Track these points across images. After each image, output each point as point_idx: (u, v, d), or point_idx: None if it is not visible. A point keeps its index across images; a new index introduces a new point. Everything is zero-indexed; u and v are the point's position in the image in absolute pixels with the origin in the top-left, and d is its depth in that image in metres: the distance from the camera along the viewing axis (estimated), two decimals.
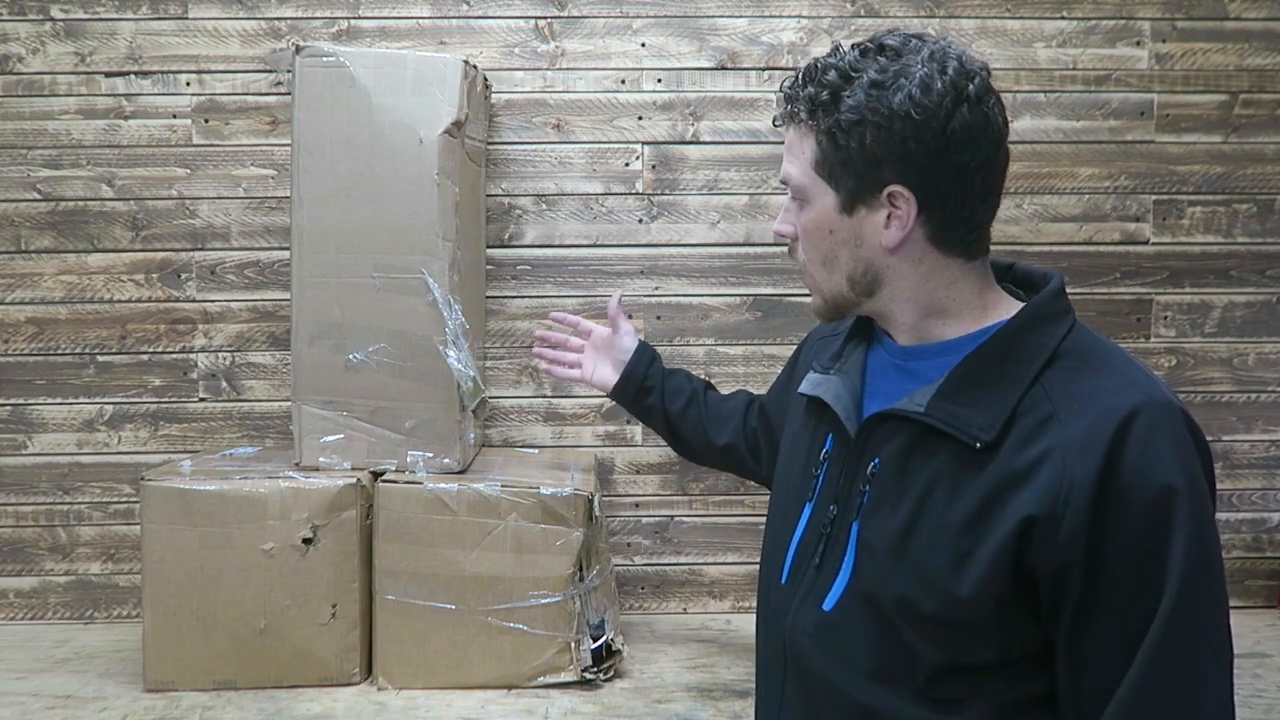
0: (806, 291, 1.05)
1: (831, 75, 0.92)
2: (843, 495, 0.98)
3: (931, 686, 0.90)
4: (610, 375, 1.59)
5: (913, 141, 0.90)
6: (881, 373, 1.02)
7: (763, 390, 1.47)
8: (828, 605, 0.96)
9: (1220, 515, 2.00)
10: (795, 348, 1.34)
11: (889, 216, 0.93)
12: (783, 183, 1.00)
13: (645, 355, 1.59)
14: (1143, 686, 0.83)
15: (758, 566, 1.14)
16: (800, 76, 0.96)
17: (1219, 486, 2.03)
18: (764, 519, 1.09)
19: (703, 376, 1.98)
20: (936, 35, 0.95)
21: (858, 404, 1.01)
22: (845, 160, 0.93)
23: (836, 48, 0.96)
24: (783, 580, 1.02)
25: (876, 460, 0.95)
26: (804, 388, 1.08)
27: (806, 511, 1.02)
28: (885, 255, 0.95)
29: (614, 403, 1.62)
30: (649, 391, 1.57)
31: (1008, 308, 0.97)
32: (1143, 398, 0.86)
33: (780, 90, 0.99)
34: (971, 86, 0.91)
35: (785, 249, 1.04)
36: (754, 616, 1.15)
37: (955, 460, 0.90)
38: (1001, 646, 0.88)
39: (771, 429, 1.39)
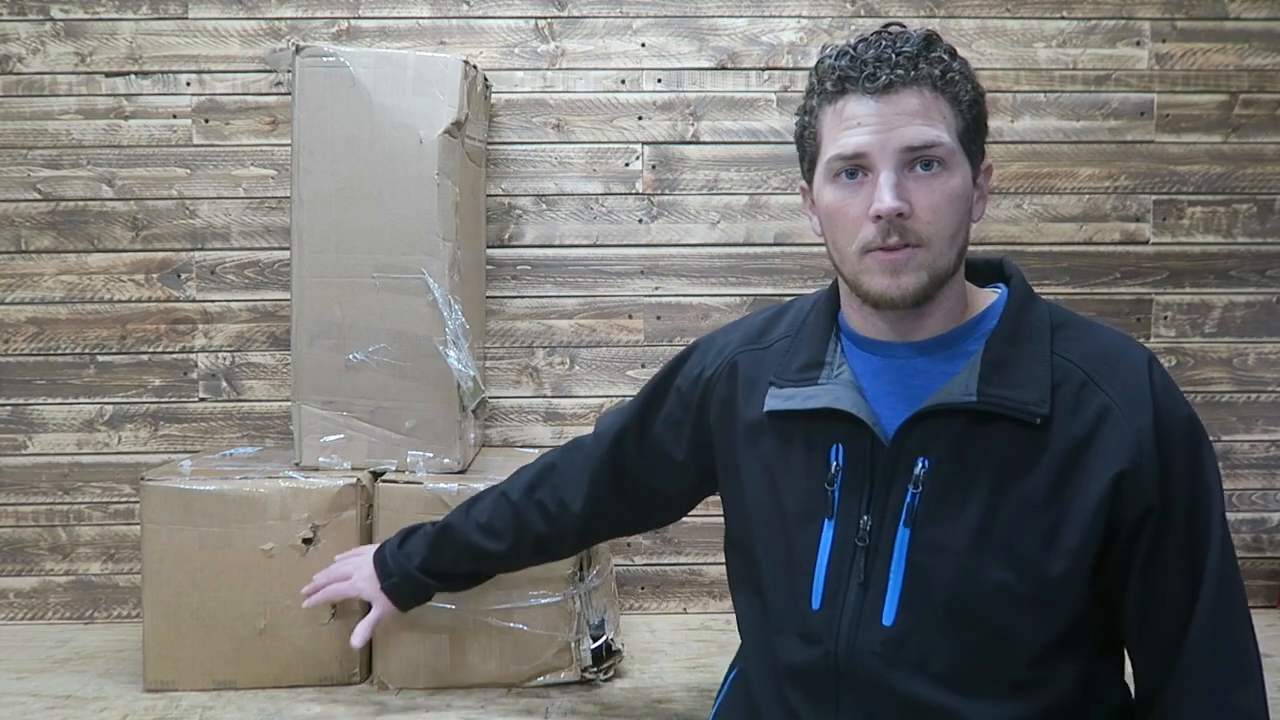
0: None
1: (942, 50, 0.95)
2: (878, 503, 0.95)
3: (1029, 671, 0.92)
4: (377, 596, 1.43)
5: (986, 117, 0.99)
6: (875, 375, 0.99)
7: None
8: (888, 620, 0.93)
9: None
10: (668, 367, 1.24)
11: (980, 192, 1.00)
12: (925, 147, 0.92)
13: (383, 560, 1.44)
14: (1217, 594, 0.91)
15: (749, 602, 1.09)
16: (904, 42, 0.93)
17: None
18: None
19: None
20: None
21: (871, 410, 0.98)
22: (975, 130, 0.98)
23: (886, 28, 0.96)
24: (815, 606, 0.97)
25: (924, 460, 0.93)
26: (779, 404, 1.02)
27: (828, 530, 0.97)
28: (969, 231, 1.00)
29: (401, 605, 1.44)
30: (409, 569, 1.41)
31: (979, 295, 1.01)
32: (1144, 349, 0.97)
33: (888, 54, 0.92)
34: None
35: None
36: None
37: (1015, 441, 0.92)
38: (1082, 609, 0.93)
39: (623, 473, 1.28)
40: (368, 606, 1.45)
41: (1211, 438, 2.00)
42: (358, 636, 1.43)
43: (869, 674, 0.94)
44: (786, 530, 1.01)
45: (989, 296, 1.00)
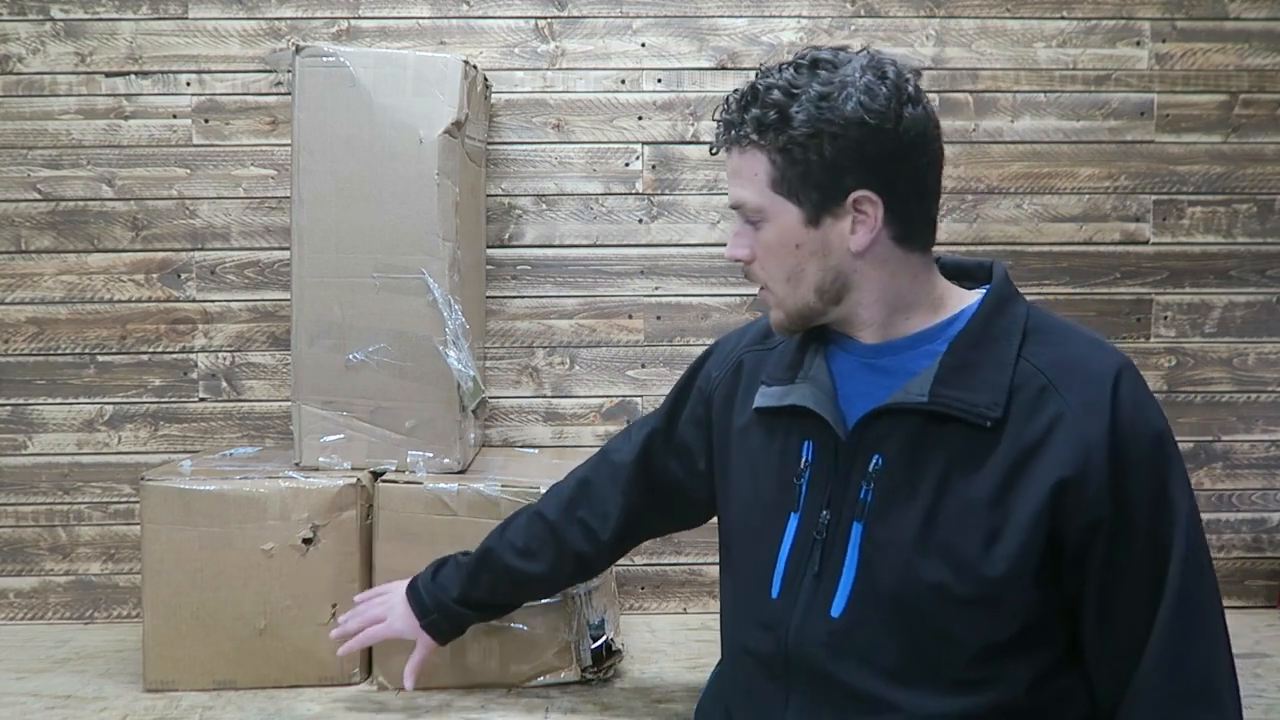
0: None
1: (775, 95, 0.94)
2: (836, 499, 0.98)
3: (969, 671, 0.92)
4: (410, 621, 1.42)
5: (870, 145, 0.92)
6: (850, 375, 1.03)
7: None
8: (836, 611, 0.96)
9: (1220, 515, 2.02)
10: (690, 368, 1.29)
11: (854, 222, 0.95)
12: (735, 208, 1.00)
13: (418, 595, 1.43)
14: (1176, 614, 0.89)
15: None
16: (737, 101, 0.98)
17: (1219, 486, 2.03)
18: None
19: None
20: (858, 46, 0.99)
21: (837, 407, 1.02)
22: (805, 174, 0.94)
23: (765, 70, 0.97)
24: (774, 595, 1.01)
25: (878, 458, 0.96)
26: (763, 402, 1.07)
27: (792, 522, 1.01)
28: (853, 260, 0.97)
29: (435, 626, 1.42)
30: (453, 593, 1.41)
31: (960, 296, 1.01)
32: (1118, 359, 0.94)
33: (716, 118, 0.99)
34: (910, 88, 0.95)
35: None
36: None
37: (966, 442, 0.92)
38: (1032, 616, 0.92)
39: (657, 472, 1.30)
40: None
41: (1211, 438, 2.03)
42: (409, 680, 1.42)
43: (816, 663, 0.97)
44: (760, 522, 1.05)
45: (968, 299, 1.01)
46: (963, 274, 1.05)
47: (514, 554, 1.37)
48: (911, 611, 0.93)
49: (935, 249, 1.04)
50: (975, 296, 1.01)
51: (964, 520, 0.91)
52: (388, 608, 1.44)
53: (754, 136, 0.96)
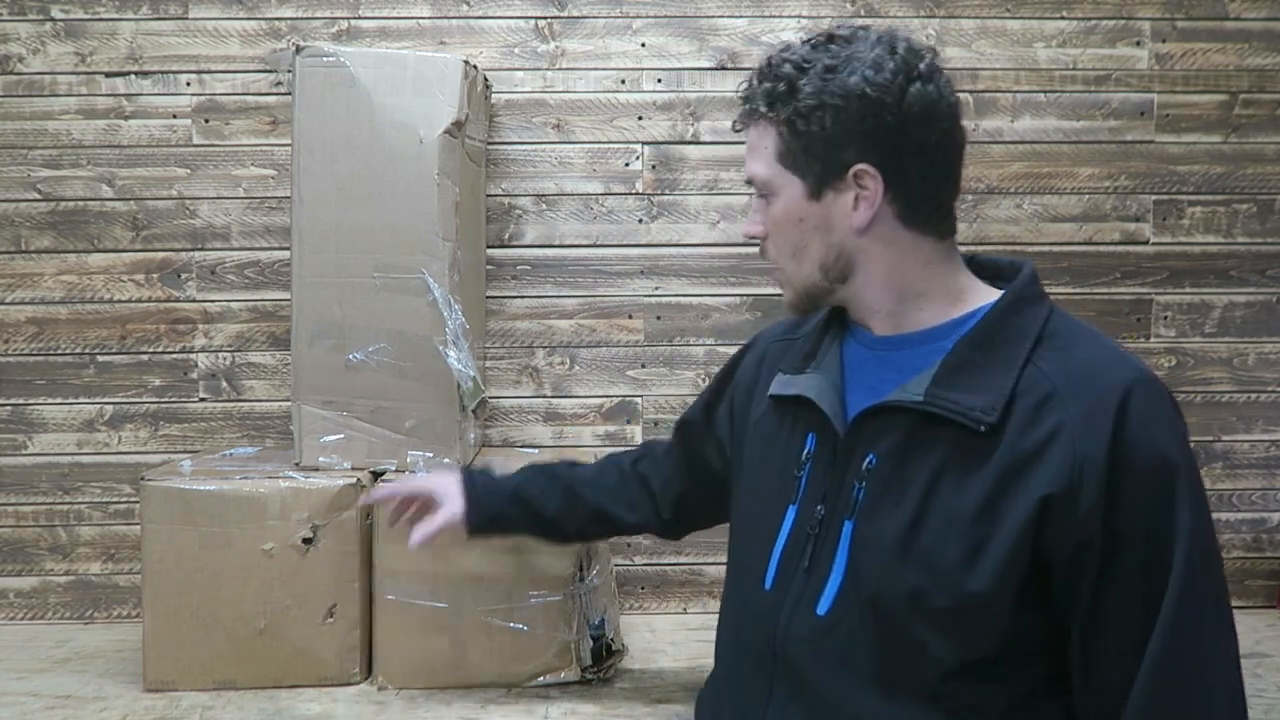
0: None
1: (786, 68, 0.94)
2: (831, 494, 0.96)
3: (944, 686, 0.88)
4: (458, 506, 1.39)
5: (871, 119, 0.91)
6: (860, 366, 1.01)
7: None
8: (821, 609, 0.94)
9: (1220, 515, 2.02)
10: (730, 360, 1.29)
11: (856, 197, 0.94)
12: (748, 183, 1.01)
13: (477, 481, 1.42)
14: (1164, 656, 0.83)
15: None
16: (754, 76, 0.99)
17: (1219, 486, 2.03)
18: None
19: (704, 377, 1.99)
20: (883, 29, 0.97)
21: (841, 400, 1.00)
22: (808, 146, 0.94)
23: (787, 45, 0.97)
24: (766, 586, 1.00)
25: (871, 456, 0.93)
26: (776, 389, 1.06)
27: (790, 514, 0.99)
28: (856, 237, 0.96)
29: (474, 533, 1.40)
30: (507, 505, 1.39)
31: (984, 293, 0.98)
32: (1136, 373, 0.87)
33: (736, 94, 1.00)
34: (922, 65, 0.93)
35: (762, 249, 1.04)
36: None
37: (959, 448, 0.89)
38: (1015, 636, 0.87)
39: (696, 456, 1.31)
40: (365, 613, 1.44)
41: (1211, 437, 2.03)
42: (419, 534, 1.36)
43: (797, 660, 0.96)
44: (761, 510, 1.04)
45: (989, 297, 0.97)
46: (995, 273, 1.02)
47: (575, 475, 1.39)
48: (888, 617, 0.90)
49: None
50: (994, 296, 0.98)
51: (948, 529, 0.87)
52: (431, 479, 1.44)
53: (764, 109, 0.97)
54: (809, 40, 0.96)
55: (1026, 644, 0.88)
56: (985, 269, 1.02)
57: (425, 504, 1.42)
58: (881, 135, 0.92)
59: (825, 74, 0.92)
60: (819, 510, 0.97)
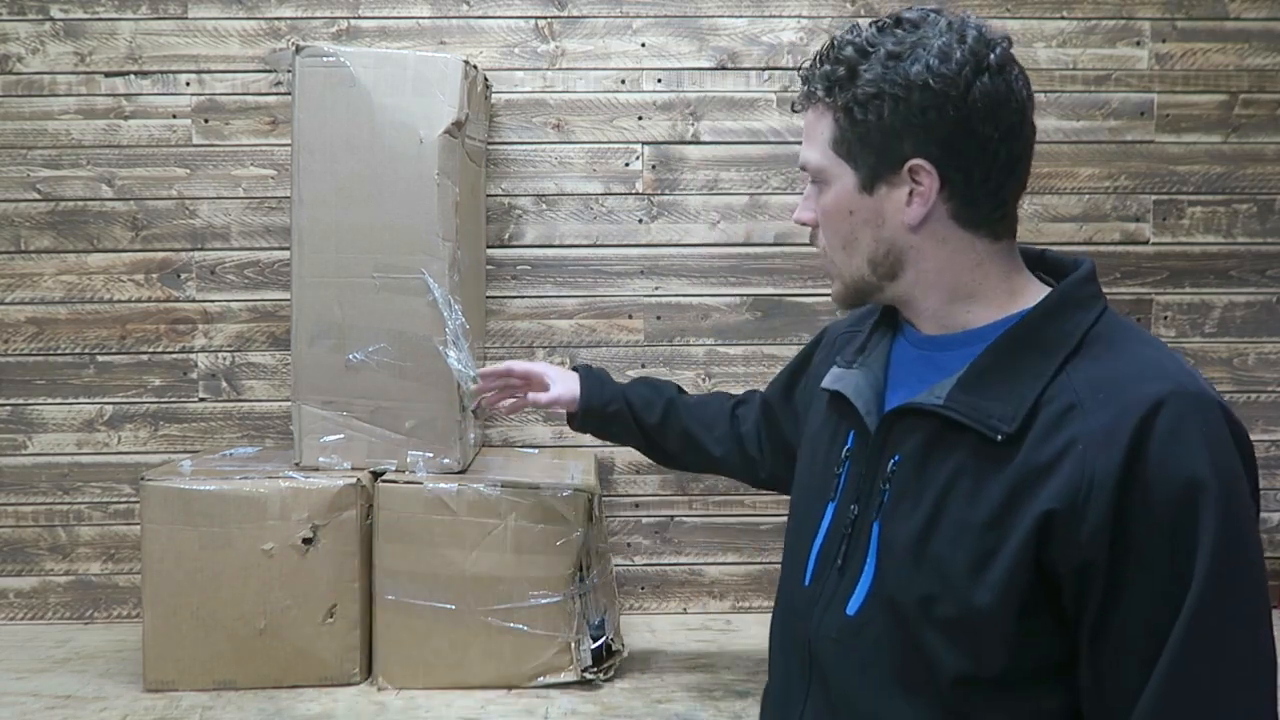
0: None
1: (848, 51, 0.90)
2: (864, 494, 0.94)
3: (951, 697, 0.86)
4: (571, 390, 1.51)
5: (933, 112, 0.86)
6: (905, 365, 0.98)
7: (760, 388, 1.46)
8: (851, 609, 0.92)
9: None
10: (807, 344, 1.31)
11: (910, 193, 0.90)
12: (802, 168, 0.96)
13: (594, 372, 1.54)
14: (1162, 700, 0.78)
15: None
16: (818, 57, 0.93)
17: None
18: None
19: (704, 377, 1.99)
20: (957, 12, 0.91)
21: (879, 398, 0.97)
22: (864, 136, 0.90)
23: (855, 25, 0.92)
24: (806, 582, 0.98)
25: (897, 457, 0.91)
26: (826, 382, 1.04)
27: (829, 511, 0.98)
28: (908, 234, 0.91)
29: (579, 428, 1.53)
30: (614, 400, 1.50)
31: (1036, 293, 0.92)
32: (1172, 387, 0.81)
33: (798, 72, 0.96)
34: (992, 56, 0.87)
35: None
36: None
37: (976, 455, 0.86)
38: (1023, 654, 0.84)
39: (776, 427, 1.37)
40: (365, 613, 1.44)
41: None
42: (510, 404, 1.56)
43: (825, 658, 0.94)
44: (807, 505, 1.03)
45: (1038, 297, 0.92)
46: (1059, 271, 0.96)
47: (681, 397, 1.50)
48: (902, 622, 0.88)
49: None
50: (1041, 296, 0.92)
51: (959, 537, 0.85)
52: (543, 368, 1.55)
53: (821, 93, 0.91)
54: (878, 21, 0.91)
55: (1042, 667, 0.85)
56: (1052, 267, 0.97)
57: (535, 384, 1.53)
58: (942, 130, 0.87)
59: (888, 60, 0.87)
60: (853, 509, 0.95)
